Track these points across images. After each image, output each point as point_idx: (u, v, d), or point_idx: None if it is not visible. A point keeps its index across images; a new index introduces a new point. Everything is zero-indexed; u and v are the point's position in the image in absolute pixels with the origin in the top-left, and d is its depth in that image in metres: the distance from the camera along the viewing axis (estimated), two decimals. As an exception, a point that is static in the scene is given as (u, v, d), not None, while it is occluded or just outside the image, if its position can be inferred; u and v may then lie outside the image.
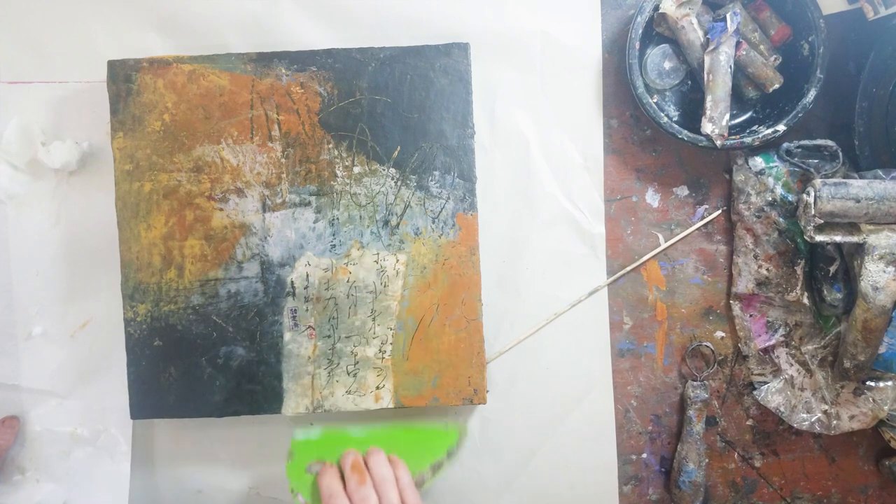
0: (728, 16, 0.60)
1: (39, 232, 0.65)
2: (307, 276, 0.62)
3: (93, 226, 0.65)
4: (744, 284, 0.65)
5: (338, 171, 0.62)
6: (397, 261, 0.62)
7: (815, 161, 0.63)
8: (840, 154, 0.62)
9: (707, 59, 0.60)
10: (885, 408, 0.63)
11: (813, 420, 0.65)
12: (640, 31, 0.61)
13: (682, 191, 0.66)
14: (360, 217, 0.62)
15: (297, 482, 0.59)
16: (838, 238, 0.59)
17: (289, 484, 0.59)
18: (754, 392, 0.66)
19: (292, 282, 0.62)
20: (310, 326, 0.62)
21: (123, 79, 0.61)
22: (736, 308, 0.66)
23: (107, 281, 0.64)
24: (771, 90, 0.63)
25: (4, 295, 0.65)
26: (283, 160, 0.62)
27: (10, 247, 0.65)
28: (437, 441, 0.63)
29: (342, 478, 0.57)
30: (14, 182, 0.65)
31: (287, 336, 0.62)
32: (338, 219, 0.62)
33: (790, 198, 0.63)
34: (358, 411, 0.62)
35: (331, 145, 0.62)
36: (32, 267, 0.65)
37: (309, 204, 0.62)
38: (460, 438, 0.63)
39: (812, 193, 0.58)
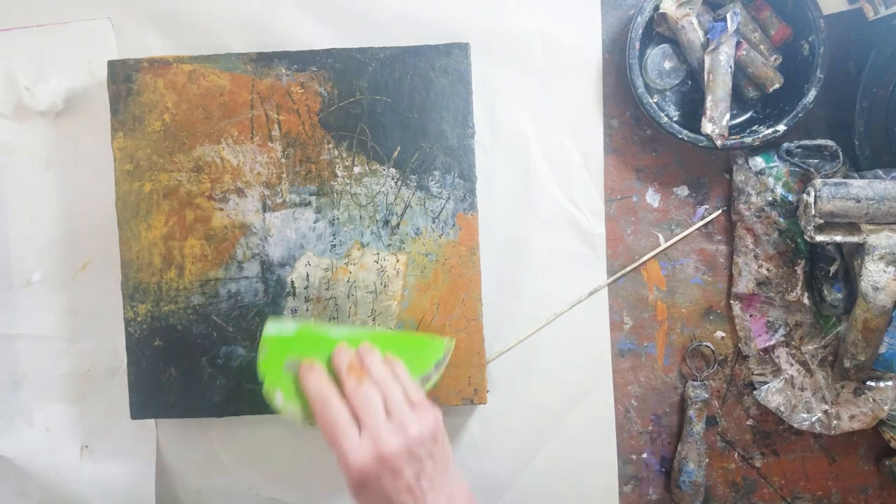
0: (728, 16, 0.60)
1: (31, 177, 0.65)
2: (307, 276, 0.62)
3: (85, 166, 0.64)
4: (744, 284, 0.65)
5: (338, 171, 0.62)
6: (397, 261, 0.62)
7: (815, 161, 0.63)
8: (840, 154, 0.62)
9: (707, 59, 0.60)
10: (886, 408, 0.63)
11: (813, 420, 0.64)
12: (640, 31, 0.61)
13: (683, 191, 0.66)
14: (361, 217, 0.62)
15: (273, 381, 0.52)
16: (838, 238, 0.59)
17: (263, 385, 0.52)
18: (754, 392, 0.66)
19: (292, 282, 0.62)
20: (310, 326, 0.62)
21: (123, 79, 0.61)
22: (736, 308, 0.66)
23: (103, 221, 0.63)
24: (771, 90, 0.63)
25: (0, 244, 0.65)
26: (283, 160, 0.62)
27: (3, 195, 0.65)
28: (424, 352, 0.57)
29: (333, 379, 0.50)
30: (1, 129, 0.64)
31: (287, 336, 0.62)
32: (338, 219, 0.62)
33: (790, 198, 0.63)
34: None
35: (331, 145, 0.62)
36: (27, 213, 0.65)
37: (309, 204, 0.62)
38: (447, 352, 0.57)
39: (812, 193, 0.58)
